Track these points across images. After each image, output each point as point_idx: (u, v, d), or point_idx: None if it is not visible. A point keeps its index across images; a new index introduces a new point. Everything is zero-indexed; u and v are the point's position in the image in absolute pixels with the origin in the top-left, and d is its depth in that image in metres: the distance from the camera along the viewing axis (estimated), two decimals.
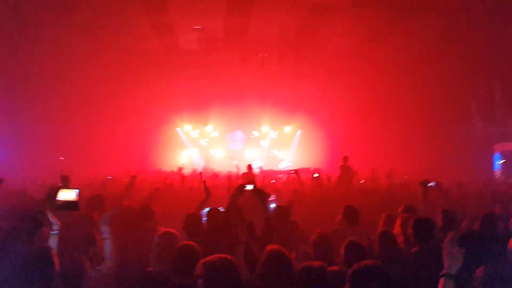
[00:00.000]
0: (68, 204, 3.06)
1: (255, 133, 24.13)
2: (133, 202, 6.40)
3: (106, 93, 17.86)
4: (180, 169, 15.53)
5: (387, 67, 17.17)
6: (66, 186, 3.18)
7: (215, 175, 13.54)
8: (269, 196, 4.80)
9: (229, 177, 10.16)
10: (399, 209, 5.23)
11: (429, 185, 5.43)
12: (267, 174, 12.38)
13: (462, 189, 9.34)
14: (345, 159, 11.23)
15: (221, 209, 4.82)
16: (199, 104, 22.20)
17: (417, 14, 13.61)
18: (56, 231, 3.44)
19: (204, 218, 4.88)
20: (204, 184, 6.53)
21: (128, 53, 16.84)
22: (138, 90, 19.18)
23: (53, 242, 3.38)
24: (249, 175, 11.24)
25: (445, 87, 16.22)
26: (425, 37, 14.91)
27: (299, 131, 23.86)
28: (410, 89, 17.42)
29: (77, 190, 3.06)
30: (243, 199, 4.58)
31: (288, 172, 11.53)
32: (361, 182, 11.01)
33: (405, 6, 13.13)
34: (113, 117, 18.85)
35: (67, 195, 3.05)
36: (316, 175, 8.46)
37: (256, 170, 15.51)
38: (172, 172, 15.48)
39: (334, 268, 3.43)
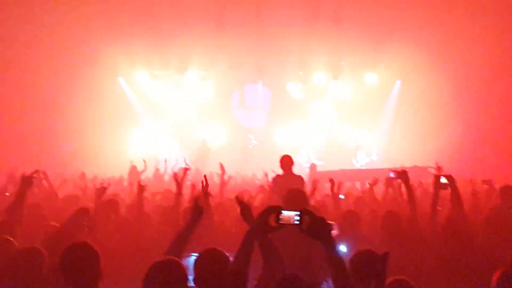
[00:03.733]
0: None
1: (295, 86, 17.11)
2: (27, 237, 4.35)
3: None
4: (133, 170, 11.90)
5: None
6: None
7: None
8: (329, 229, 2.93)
9: (262, 187, 7.73)
10: None
11: (441, 181, 5.01)
12: (327, 179, 7.50)
13: None
14: None
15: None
16: (167, 26, 14.82)
17: None
18: None
19: (191, 273, 3.19)
20: (194, 199, 4.57)
21: None
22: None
23: None
24: (293, 182, 6.64)
25: None
26: None
27: (397, 83, 16.40)
28: None
29: None
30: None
31: (376, 176, 7.75)
32: None
33: None
34: None
35: None
36: (443, 180, 5.36)
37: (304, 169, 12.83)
38: (118, 179, 11.40)
39: None
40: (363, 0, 14.89)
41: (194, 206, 3.58)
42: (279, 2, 14.78)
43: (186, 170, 8.01)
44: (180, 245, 3.49)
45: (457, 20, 14.35)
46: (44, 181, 7.70)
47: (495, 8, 13.54)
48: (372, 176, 10.42)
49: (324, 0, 14.95)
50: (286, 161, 7.27)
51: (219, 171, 11.06)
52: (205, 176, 6.08)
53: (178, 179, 6.13)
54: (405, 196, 5.80)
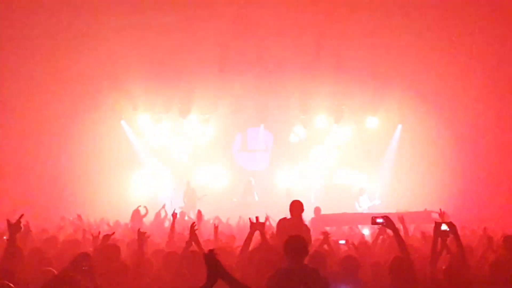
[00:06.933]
0: None
1: (297, 131, 17.11)
2: None
3: None
4: (135, 214, 11.42)
5: None
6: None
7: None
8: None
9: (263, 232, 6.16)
10: None
11: (442, 229, 4.96)
12: (328, 224, 8.95)
13: None
14: None
15: None
16: (170, 70, 14.69)
17: None
18: None
19: None
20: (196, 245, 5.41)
21: None
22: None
23: None
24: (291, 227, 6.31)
25: None
26: None
27: (399, 127, 16.53)
28: None
29: None
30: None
31: (374, 221, 5.91)
32: None
33: None
34: None
35: None
36: (444, 227, 5.24)
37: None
38: (115, 223, 10.86)
39: None
40: (364, 45, 14.79)
41: (209, 262, 3.04)
42: (281, 47, 14.62)
43: (175, 214, 7.98)
44: None
45: (457, 64, 14.45)
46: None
47: (494, 51, 13.74)
48: (373, 220, 10.27)
49: (325, 45, 14.84)
50: (297, 207, 6.93)
51: (222, 217, 11.01)
52: (192, 224, 6.02)
53: (194, 227, 5.82)
54: (395, 241, 5.49)
